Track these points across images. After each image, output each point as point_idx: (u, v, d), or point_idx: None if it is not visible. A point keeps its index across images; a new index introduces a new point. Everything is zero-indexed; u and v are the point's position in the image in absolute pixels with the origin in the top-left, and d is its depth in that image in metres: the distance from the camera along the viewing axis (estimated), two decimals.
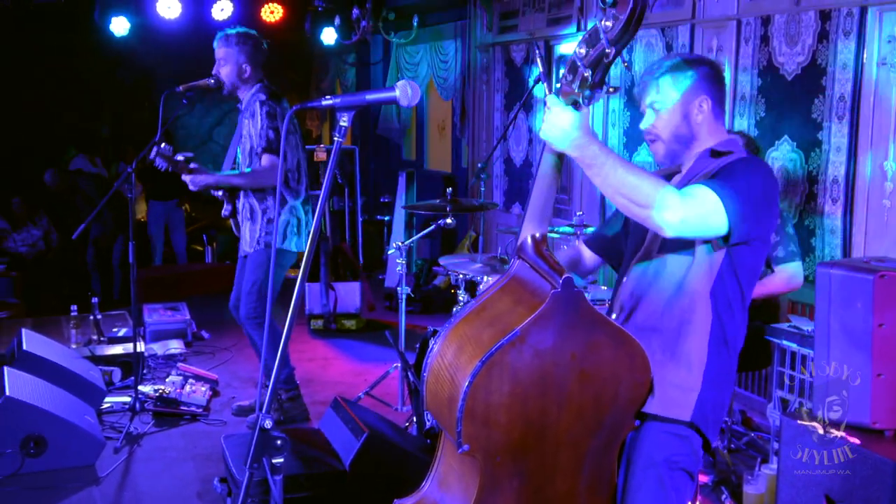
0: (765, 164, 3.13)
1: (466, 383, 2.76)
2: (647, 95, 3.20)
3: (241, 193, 6.49)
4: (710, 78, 3.15)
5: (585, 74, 2.76)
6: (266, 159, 6.27)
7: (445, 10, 11.52)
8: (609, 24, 2.71)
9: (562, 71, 2.86)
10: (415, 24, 11.21)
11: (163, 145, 6.24)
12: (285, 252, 6.46)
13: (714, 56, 6.91)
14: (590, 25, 4.35)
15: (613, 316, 3.22)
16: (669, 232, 2.82)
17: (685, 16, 7.20)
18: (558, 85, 2.90)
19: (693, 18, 7.12)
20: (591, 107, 2.88)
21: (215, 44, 6.51)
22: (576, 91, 2.81)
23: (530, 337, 2.78)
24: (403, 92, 2.80)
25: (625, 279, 3.26)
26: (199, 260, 13.09)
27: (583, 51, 2.78)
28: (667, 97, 3.13)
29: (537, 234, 3.05)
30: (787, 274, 5.53)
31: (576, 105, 2.84)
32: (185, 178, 6.35)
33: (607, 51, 2.71)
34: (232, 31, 6.55)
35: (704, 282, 3.03)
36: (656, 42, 7.59)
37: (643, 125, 3.23)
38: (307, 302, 9.66)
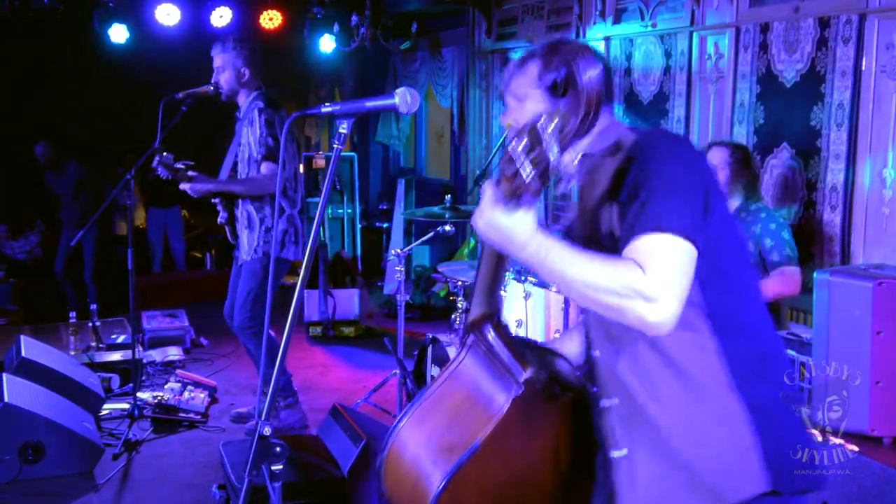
0: (667, 134, 2.65)
1: (430, 502, 2.57)
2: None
3: (239, 201, 6.50)
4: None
5: (526, 173, 2.21)
6: (266, 167, 6.28)
7: (444, 18, 11.53)
8: (557, 120, 2.19)
9: (511, 144, 2.30)
10: (413, 31, 11.22)
11: (164, 153, 6.25)
12: (281, 261, 6.46)
13: (713, 63, 6.94)
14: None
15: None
16: (665, 328, 2.28)
17: (684, 23, 7.21)
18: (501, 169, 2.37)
19: (692, 26, 7.13)
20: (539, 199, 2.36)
21: (212, 51, 6.52)
22: (516, 188, 2.25)
23: (493, 447, 2.58)
24: (402, 99, 2.79)
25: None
26: (198, 267, 13.09)
27: (522, 144, 2.23)
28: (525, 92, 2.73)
29: (492, 317, 2.84)
30: (784, 276, 5.54)
31: (518, 197, 2.27)
32: (185, 186, 6.35)
33: (554, 150, 2.20)
34: (230, 37, 6.57)
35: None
36: (655, 49, 7.60)
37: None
38: (306, 309, 9.67)
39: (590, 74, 2.52)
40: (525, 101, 2.70)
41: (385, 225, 12.84)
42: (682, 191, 2.40)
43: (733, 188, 5.77)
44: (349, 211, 12.02)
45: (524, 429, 2.62)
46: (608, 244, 2.47)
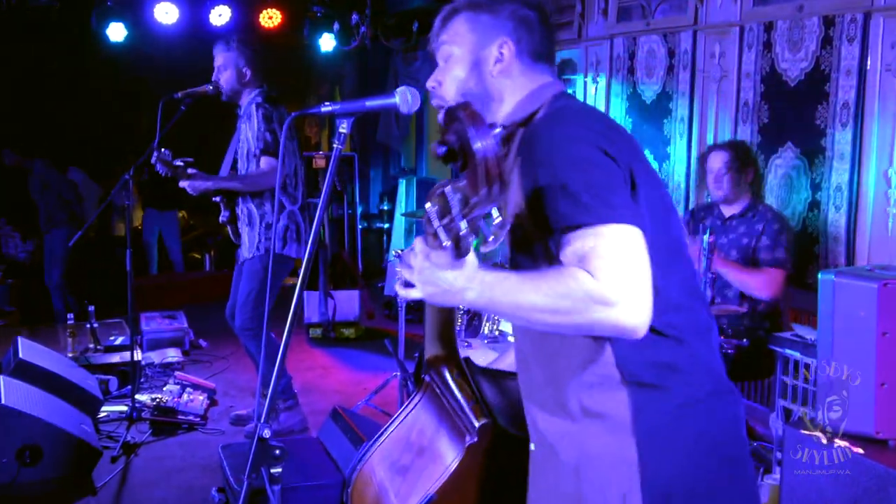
0: (557, 113, 2.43)
1: None
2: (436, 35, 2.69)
3: (240, 199, 6.50)
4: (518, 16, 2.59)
5: (443, 238, 2.10)
6: (264, 162, 6.29)
7: None
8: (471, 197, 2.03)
9: (427, 205, 2.22)
10: (415, 29, 11.21)
11: (163, 150, 6.26)
12: (284, 259, 6.46)
13: (717, 62, 6.93)
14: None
15: None
16: (643, 326, 2.08)
17: (687, 22, 7.21)
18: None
19: (696, 24, 7.13)
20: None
21: (214, 50, 6.53)
22: (446, 242, 2.10)
23: (449, 493, 2.59)
24: (403, 98, 2.77)
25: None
26: (197, 268, 13.09)
27: (434, 208, 2.16)
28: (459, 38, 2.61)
29: (448, 358, 2.80)
30: (767, 276, 5.56)
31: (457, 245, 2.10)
32: (184, 183, 6.35)
33: (463, 225, 2.03)
34: (232, 36, 6.59)
35: None
36: (658, 48, 7.60)
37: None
38: (305, 310, 9.67)
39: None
40: (449, 62, 2.61)
41: (386, 225, 12.86)
42: (589, 171, 2.18)
43: (739, 190, 5.78)
44: (349, 211, 12.03)
45: (480, 476, 2.62)
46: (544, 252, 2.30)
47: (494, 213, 1.99)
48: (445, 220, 2.06)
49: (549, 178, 2.17)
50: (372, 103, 2.80)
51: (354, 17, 11.07)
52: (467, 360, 2.92)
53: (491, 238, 2.02)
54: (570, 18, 8.75)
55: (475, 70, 2.54)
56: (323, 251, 9.94)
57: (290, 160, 6.46)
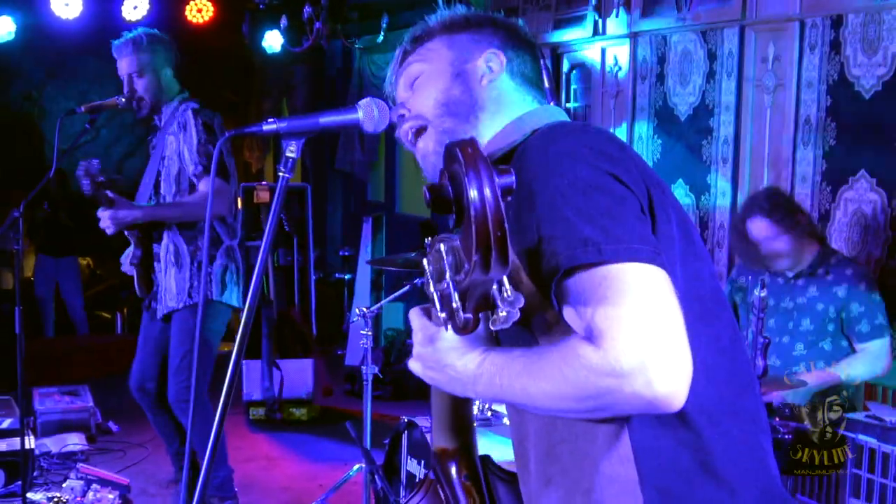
0: (552, 129, 2.37)
1: None
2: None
3: (165, 233, 6.45)
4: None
5: (441, 318, 2.09)
6: (206, 184, 6.27)
7: (424, 8, 11.52)
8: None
9: (424, 261, 2.19)
10: (384, 25, 11.23)
11: (93, 161, 6.25)
12: (222, 308, 6.46)
13: (770, 68, 6.97)
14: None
15: None
16: (678, 394, 1.97)
17: (732, 15, 7.23)
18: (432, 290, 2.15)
19: (743, 19, 7.15)
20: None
21: (118, 52, 6.50)
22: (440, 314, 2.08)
23: None
24: (369, 113, 2.80)
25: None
26: (105, 331, 13.05)
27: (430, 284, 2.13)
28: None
29: (458, 453, 2.81)
30: (872, 355, 5.56)
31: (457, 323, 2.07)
32: (104, 213, 6.28)
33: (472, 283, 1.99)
34: (142, 33, 6.56)
35: None
36: (695, 49, 7.64)
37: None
38: (245, 385, 9.65)
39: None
40: (421, 80, 2.62)
41: (347, 276, 12.84)
42: (592, 197, 2.12)
43: (800, 253, 5.78)
44: (300, 258, 12.02)
45: None
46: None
47: (506, 282, 1.95)
48: (443, 286, 2.04)
49: (540, 209, 2.14)
50: (329, 120, 2.82)
51: (307, 9, 11.08)
52: (486, 458, 2.89)
53: (502, 315, 1.95)
54: (583, 11, 8.77)
55: (459, 79, 2.55)
56: (267, 309, 9.93)
57: (233, 181, 6.44)
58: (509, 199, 1.92)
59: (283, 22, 11.30)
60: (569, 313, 2.06)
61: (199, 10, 11.35)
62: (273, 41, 11.75)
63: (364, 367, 6.81)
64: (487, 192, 1.86)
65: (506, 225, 1.86)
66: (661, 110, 8.05)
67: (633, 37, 8.25)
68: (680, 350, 1.96)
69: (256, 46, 11.86)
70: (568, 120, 2.52)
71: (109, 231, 6.36)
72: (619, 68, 8.48)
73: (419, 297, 10.84)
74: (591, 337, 1.98)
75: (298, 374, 9.75)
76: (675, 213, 2.27)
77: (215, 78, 11.34)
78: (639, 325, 1.95)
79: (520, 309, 1.95)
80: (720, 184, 7.48)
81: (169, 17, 11.19)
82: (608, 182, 2.14)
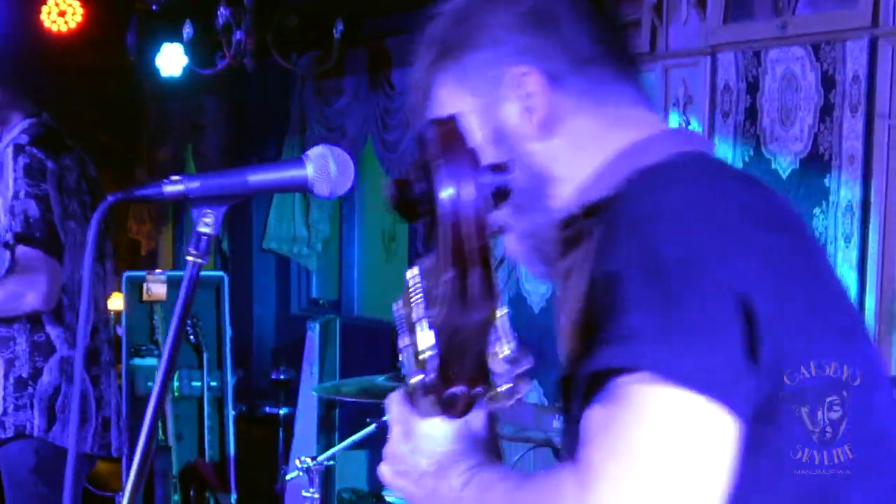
0: (660, 184, 2.39)
1: None
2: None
3: None
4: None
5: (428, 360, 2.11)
6: (23, 254, 6.21)
7: (394, 12, 11.51)
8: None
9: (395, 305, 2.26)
10: (337, 35, 11.17)
11: None
12: (47, 451, 6.40)
13: None
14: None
15: None
16: None
17: (859, 22, 7.20)
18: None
19: (874, 27, 7.12)
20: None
21: None
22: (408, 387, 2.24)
23: None
24: (321, 169, 2.74)
25: None
26: None
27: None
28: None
29: None
30: None
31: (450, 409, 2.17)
32: None
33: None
34: None
35: None
36: (802, 69, 7.59)
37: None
38: None
39: None
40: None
41: (282, 411, 12.76)
42: (664, 283, 2.14)
43: None
44: (215, 384, 11.93)
45: None
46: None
47: (506, 333, 2.03)
48: (413, 338, 2.08)
49: (597, 281, 2.19)
50: (263, 178, 2.79)
51: (223, 10, 10.95)
52: None
53: (503, 389, 2.05)
54: (636, 15, 8.74)
55: (501, 148, 2.50)
56: (162, 459, 9.88)
57: (70, 257, 6.40)
58: (507, 206, 2.08)
59: (188, 31, 11.23)
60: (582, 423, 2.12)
61: (62, 14, 11.28)
62: (171, 60, 11.75)
63: None
64: (467, 190, 1.92)
65: (485, 235, 1.95)
66: (751, 162, 8.00)
67: (711, 53, 8.21)
68: None
69: (147, 67, 11.86)
70: (686, 149, 2.51)
71: None
72: (690, 99, 8.45)
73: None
74: (578, 469, 2.06)
75: None
76: (828, 345, 2.28)
77: (85, 113, 11.33)
78: (643, 489, 1.99)
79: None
80: (841, 267, 7.42)
81: (18, 21, 11.18)
82: (710, 271, 2.14)
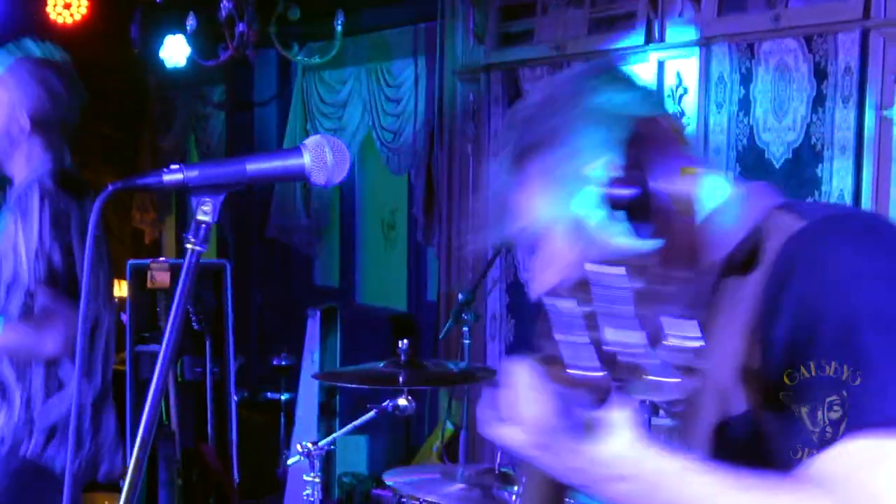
0: (864, 224, 2.51)
1: None
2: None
3: None
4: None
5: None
6: (44, 302, 6.14)
7: (394, 4, 11.51)
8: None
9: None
10: (338, 28, 11.19)
11: None
12: (39, 471, 6.40)
13: None
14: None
15: None
16: None
17: (851, 15, 7.23)
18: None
19: (866, 19, 7.16)
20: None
21: None
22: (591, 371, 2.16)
23: None
24: (318, 157, 2.77)
25: None
26: None
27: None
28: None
29: None
30: None
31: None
32: None
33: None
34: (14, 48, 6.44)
35: None
36: (794, 60, 7.62)
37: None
38: None
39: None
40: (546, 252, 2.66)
41: (284, 396, 12.77)
42: None
43: None
44: (216, 370, 11.93)
45: None
46: (747, 438, 2.39)
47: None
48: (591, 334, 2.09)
49: (834, 331, 2.27)
50: (261, 167, 2.80)
51: (225, 3, 11.01)
52: None
53: (647, 379, 2.07)
54: (632, 7, 8.77)
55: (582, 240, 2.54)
56: (165, 445, 9.88)
57: (95, 295, 6.39)
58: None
59: (191, 23, 11.26)
60: (827, 463, 2.30)
61: (67, 6, 11.31)
62: (175, 51, 11.76)
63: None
64: None
65: None
66: (745, 152, 8.03)
67: (705, 44, 8.25)
68: None
69: (151, 58, 11.85)
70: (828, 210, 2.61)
71: None
72: (685, 90, 8.48)
73: (393, 427, 10.85)
74: (848, 490, 2.21)
75: None
76: None
77: (90, 104, 11.35)
78: None
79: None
80: None
81: (23, 16, 11.18)
82: None
